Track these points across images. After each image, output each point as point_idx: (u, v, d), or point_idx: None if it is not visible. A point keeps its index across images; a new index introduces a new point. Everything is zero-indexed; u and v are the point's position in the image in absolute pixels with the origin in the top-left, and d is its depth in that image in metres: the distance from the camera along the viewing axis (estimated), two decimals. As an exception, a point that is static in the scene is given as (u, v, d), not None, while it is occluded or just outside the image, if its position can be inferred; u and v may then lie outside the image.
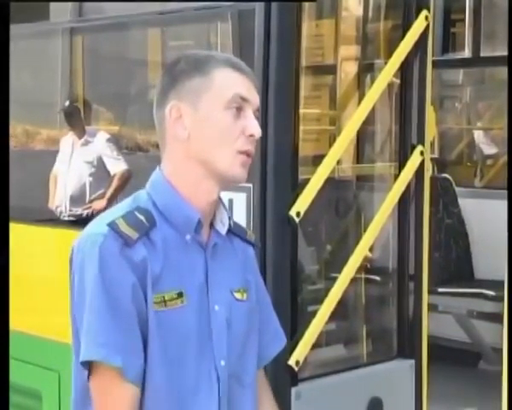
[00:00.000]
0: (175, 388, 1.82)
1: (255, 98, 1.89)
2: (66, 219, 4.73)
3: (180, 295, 1.83)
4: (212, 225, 1.93)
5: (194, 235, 1.87)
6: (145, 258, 1.79)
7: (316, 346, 3.43)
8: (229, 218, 2.00)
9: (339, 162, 3.93)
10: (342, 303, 3.55)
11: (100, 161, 4.85)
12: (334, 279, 3.48)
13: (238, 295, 1.95)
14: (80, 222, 4.44)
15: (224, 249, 1.95)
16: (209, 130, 1.84)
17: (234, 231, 2.01)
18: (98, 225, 1.83)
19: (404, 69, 3.78)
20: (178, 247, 1.86)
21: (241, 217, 3.26)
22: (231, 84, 1.85)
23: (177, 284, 1.83)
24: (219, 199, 1.93)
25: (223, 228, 1.94)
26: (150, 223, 1.83)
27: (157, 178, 1.91)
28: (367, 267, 4.05)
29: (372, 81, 4.10)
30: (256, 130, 1.86)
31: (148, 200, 1.88)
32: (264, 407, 2.09)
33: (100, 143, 4.89)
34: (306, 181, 3.34)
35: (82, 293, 1.80)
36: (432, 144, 4.97)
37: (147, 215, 1.84)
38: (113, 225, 1.80)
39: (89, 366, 1.79)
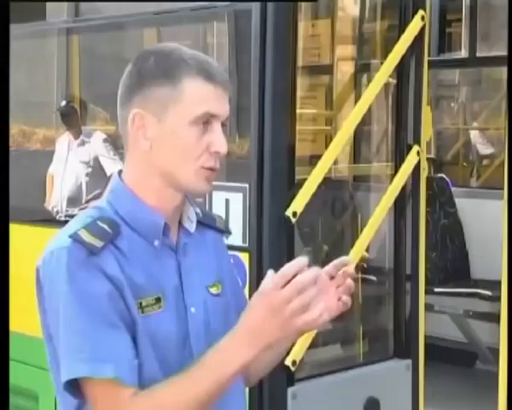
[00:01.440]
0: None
1: (225, 110, 1.79)
2: (63, 219, 4.72)
3: (158, 300, 1.78)
4: (180, 224, 1.87)
5: (163, 239, 1.82)
6: (114, 264, 1.73)
7: (312, 346, 3.43)
8: (196, 210, 1.93)
9: (335, 162, 3.94)
10: (339, 303, 3.54)
11: (96, 161, 4.85)
12: (331, 279, 3.47)
13: (213, 290, 1.90)
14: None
15: (194, 246, 1.89)
16: (172, 144, 1.77)
17: (203, 221, 1.95)
18: (60, 240, 1.75)
19: (401, 69, 3.78)
20: (148, 253, 1.79)
21: (237, 217, 3.26)
22: (202, 99, 1.76)
23: (154, 289, 1.78)
24: (185, 196, 1.87)
25: (191, 225, 1.88)
26: (114, 231, 1.76)
27: (117, 187, 1.84)
28: (363, 267, 4.06)
29: (368, 81, 4.11)
30: (222, 147, 1.77)
31: (110, 209, 1.81)
32: None
33: (96, 144, 4.88)
34: (303, 181, 3.34)
35: (55, 311, 1.73)
36: (428, 144, 4.96)
37: (110, 223, 1.77)
38: (75, 237, 1.72)
39: (78, 385, 1.71)
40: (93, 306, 1.70)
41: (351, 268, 1.82)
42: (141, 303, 1.75)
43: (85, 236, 1.73)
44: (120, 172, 1.87)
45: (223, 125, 1.80)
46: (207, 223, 1.97)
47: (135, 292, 1.75)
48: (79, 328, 1.69)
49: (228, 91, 1.81)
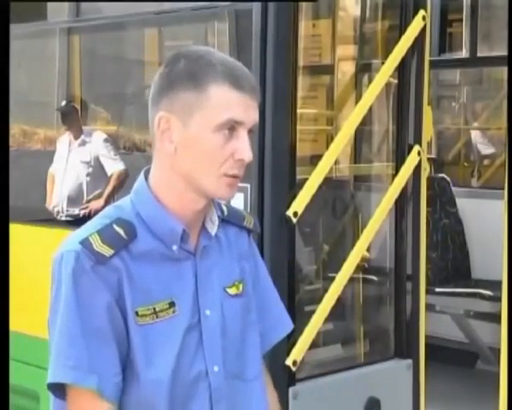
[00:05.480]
0: (167, 399, 1.78)
1: (252, 118, 1.78)
2: (64, 219, 4.73)
3: (172, 304, 1.79)
4: (202, 225, 1.87)
5: (181, 244, 1.81)
6: (121, 274, 1.74)
7: (313, 346, 3.42)
8: (222, 207, 1.93)
9: (336, 162, 3.93)
10: (340, 303, 3.55)
11: (97, 160, 4.85)
12: (332, 279, 3.48)
13: (232, 291, 1.90)
14: (77, 222, 4.44)
15: (215, 247, 1.90)
16: (196, 149, 1.76)
17: (228, 219, 1.95)
18: (72, 242, 1.76)
19: (402, 69, 3.78)
20: (165, 257, 1.80)
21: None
22: (227, 106, 1.74)
23: (168, 293, 1.79)
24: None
25: (213, 228, 1.87)
26: (129, 236, 1.77)
27: (141, 188, 1.84)
28: (364, 267, 4.06)
29: (369, 81, 4.10)
30: (246, 155, 1.76)
31: (132, 210, 1.81)
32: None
33: (97, 143, 4.89)
34: (304, 181, 3.34)
35: (54, 314, 1.76)
36: (429, 144, 4.96)
37: (126, 228, 1.78)
38: (85, 244, 1.74)
39: (63, 387, 1.76)
40: (89, 317, 1.72)
41: None
42: (154, 308, 1.76)
43: (96, 243, 1.74)
44: (147, 171, 1.86)
45: (249, 131, 1.79)
46: (232, 221, 1.96)
47: (142, 300, 1.76)
48: (72, 335, 1.72)
49: (257, 99, 1.80)
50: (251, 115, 1.78)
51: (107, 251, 1.74)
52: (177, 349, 1.78)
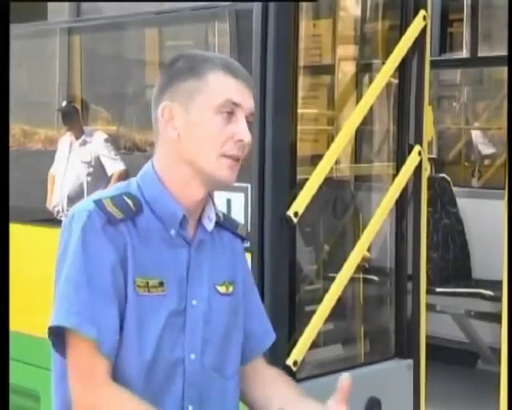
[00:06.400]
0: (143, 378, 1.84)
1: (248, 103, 1.91)
2: (64, 219, 4.72)
3: (161, 284, 1.87)
4: (199, 221, 1.97)
5: (179, 230, 1.91)
6: (127, 240, 1.84)
7: (314, 346, 3.42)
8: (218, 212, 2.03)
9: (337, 162, 3.93)
10: (340, 303, 3.55)
11: (97, 161, 4.85)
12: (333, 279, 3.48)
13: (222, 289, 1.98)
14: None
15: (210, 244, 1.99)
16: (198, 132, 1.87)
17: (223, 224, 2.05)
18: (85, 202, 1.88)
19: (402, 69, 3.78)
20: (163, 239, 1.90)
21: (239, 217, 3.26)
22: (224, 88, 1.87)
23: (159, 273, 1.87)
24: (209, 195, 1.97)
25: (209, 224, 1.97)
26: (137, 209, 1.88)
27: (147, 171, 1.95)
28: (365, 267, 4.05)
29: (370, 81, 4.10)
30: (245, 135, 1.88)
31: (138, 190, 1.93)
32: (279, 385, 2.16)
33: (97, 143, 4.89)
34: (304, 181, 3.34)
35: (62, 264, 1.84)
36: (430, 144, 4.96)
37: (135, 201, 1.89)
38: (98, 203, 1.85)
39: (63, 339, 1.82)
40: (95, 273, 1.80)
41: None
42: (147, 282, 1.85)
43: (108, 204, 1.86)
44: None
45: (248, 122, 1.90)
46: (228, 227, 2.06)
47: (139, 271, 1.85)
48: (78, 283, 1.80)
49: (251, 88, 1.92)
50: (247, 100, 1.90)
51: (117, 214, 1.85)
52: (160, 330, 1.85)
